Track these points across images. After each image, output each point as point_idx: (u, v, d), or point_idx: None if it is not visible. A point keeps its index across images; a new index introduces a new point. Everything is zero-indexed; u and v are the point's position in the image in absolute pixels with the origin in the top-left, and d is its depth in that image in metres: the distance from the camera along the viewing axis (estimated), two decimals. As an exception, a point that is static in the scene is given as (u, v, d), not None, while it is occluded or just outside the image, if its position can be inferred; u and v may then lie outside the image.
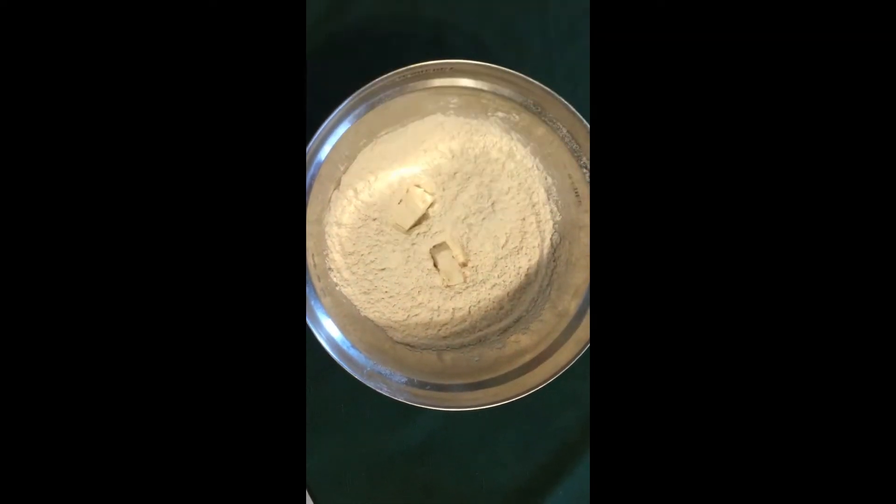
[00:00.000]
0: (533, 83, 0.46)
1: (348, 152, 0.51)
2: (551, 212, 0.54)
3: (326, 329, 0.46)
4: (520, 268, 0.54)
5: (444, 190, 0.54)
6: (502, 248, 0.54)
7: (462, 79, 0.47)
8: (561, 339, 0.50)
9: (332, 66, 0.55)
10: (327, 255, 0.51)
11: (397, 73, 0.44)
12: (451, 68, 0.46)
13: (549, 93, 0.46)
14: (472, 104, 0.51)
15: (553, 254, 0.54)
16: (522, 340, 0.52)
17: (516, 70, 0.56)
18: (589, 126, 0.48)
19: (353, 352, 0.47)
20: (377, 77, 0.44)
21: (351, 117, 0.46)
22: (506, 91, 0.48)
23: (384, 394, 0.45)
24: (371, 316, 0.52)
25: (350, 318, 0.51)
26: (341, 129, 0.46)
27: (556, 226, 0.54)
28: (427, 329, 0.53)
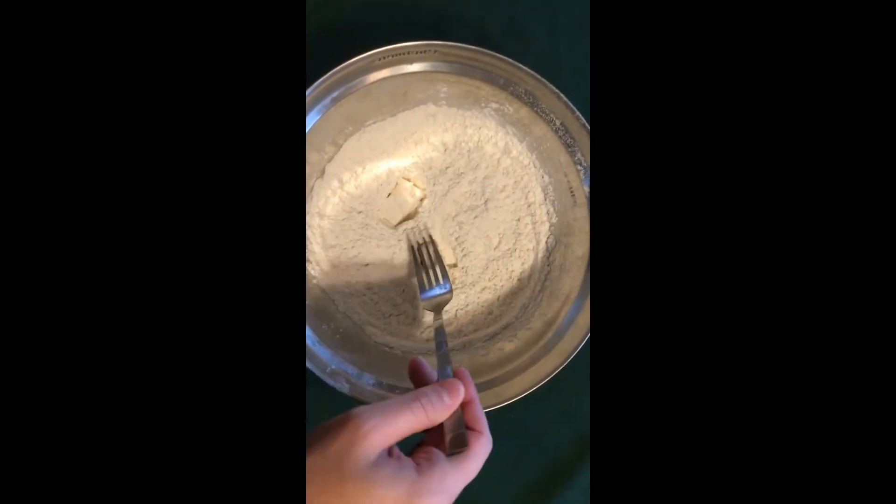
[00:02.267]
0: (522, 69, 0.43)
1: (332, 139, 0.49)
2: (548, 213, 0.50)
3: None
4: (512, 271, 0.51)
5: (434, 185, 0.51)
6: (495, 249, 0.51)
7: (447, 63, 0.45)
8: (546, 347, 0.46)
9: (327, 53, 0.53)
10: (306, 246, 0.49)
11: (376, 53, 0.42)
12: (436, 50, 0.43)
13: (539, 81, 0.43)
14: (463, 94, 0.48)
15: (548, 258, 0.50)
16: (507, 348, 0.48)
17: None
18: (586, 122, 0.44)
19: (317, 348, 0.44)
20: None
21: (328, 101, 0.44)
22: (496, 77, 0.45)
23: (345, 394, 0.42)
24: (349, 313, 0.49)
25: (324, 313, 0.48)
26: (315, 113, 0.44)
27: (553, 228, 0.50)
28: (409, 330, 0.50)
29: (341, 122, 0.48)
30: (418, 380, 0.36)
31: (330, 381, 0.42)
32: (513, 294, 0.51)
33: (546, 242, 0.50)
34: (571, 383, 0.46)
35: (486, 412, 0.44)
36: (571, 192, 0.48)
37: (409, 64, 0.44)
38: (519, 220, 0.51)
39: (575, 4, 0.55)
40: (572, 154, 0.46)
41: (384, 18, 0.54)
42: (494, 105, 0.48)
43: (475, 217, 0.51)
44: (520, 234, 0.51)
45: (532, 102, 0.46)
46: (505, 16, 0.55)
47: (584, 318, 0.46)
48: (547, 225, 0.50)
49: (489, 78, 0.45)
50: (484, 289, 0.51)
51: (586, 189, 0.46)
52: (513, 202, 0.51)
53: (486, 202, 0.51)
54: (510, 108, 0.48)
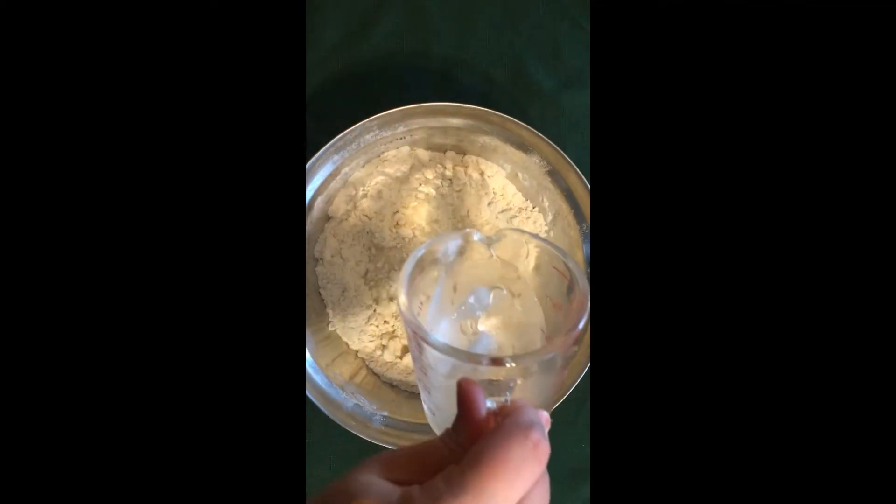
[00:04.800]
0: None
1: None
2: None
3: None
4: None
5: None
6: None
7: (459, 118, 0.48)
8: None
9: (341, 97, 0.56)
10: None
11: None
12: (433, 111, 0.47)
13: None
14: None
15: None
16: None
17: (525, 112, 0.56)
18: (584, 176, 0.47)
19: (318, 376, 0.47)
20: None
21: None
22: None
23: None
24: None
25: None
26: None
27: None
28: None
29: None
30: (471, 411, 0.27)
31: (337, 419, 0.45)
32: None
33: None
34: (558, 414, 0.49)
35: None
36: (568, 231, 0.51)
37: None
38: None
39: (579, 54, 0.58)
40: (566, 195, 0.49)
41: (398, 63, 0.57)
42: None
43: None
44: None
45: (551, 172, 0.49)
46: (511, 66, 0.57)
47: (580, 355, 0.48)
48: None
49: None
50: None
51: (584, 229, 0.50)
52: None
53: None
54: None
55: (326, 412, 0.45)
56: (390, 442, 0.45)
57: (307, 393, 0.45)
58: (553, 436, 0.53)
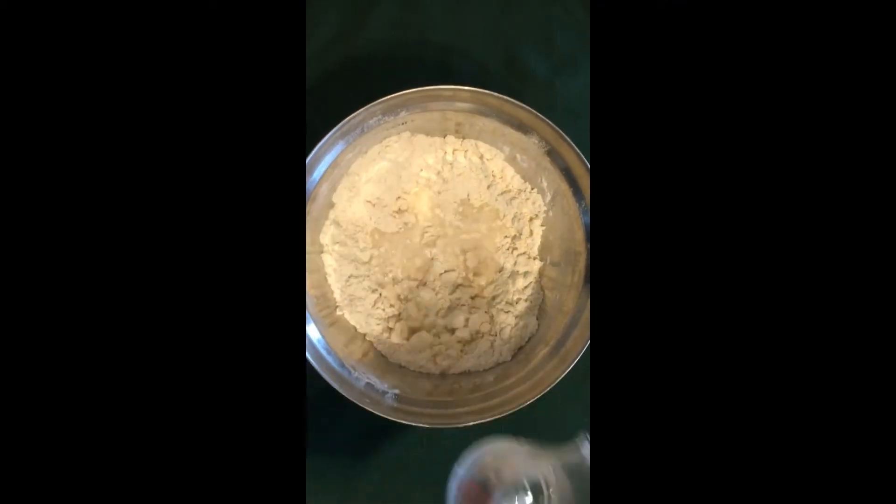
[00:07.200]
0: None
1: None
2: (542, 234, 0.55)
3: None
4: (511, 291, 0.55)
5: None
6: (499, 272, 0.55)
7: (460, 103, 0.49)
8: (545, 360, 0.50)
9: (337, 89, 0.57)
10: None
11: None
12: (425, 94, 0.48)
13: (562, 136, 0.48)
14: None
15: (541, 279, 0.55)
16: (506, 361, 0.52)
17: (519, 97, 0.57)
18: (583, 155, 0.48)
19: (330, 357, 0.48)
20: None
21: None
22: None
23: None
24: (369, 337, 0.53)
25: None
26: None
27: (548, 248, 0.54)
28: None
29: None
30: None
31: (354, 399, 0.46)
32: (513, 314, 0.55)
33: (542, 261, 0.55)
34: (564, 392, 0.50)
35: (479, 423, 0.47)
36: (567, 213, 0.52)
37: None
38: (514, 238, 0.55)
39: (571, 40, 0.59)
40: (565, 174, 0.50)
41: (394, 54, 0.58)
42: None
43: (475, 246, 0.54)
44: (518, 254, 0.55)
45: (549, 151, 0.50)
46: (506, 53, 0.59)
47: (580, 331, 0.50)
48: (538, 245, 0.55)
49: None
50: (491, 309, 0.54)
51: (582, 209, 0.51)
52: (508, 224, 0.55)
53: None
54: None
55: (341, 391, 0.46)
56: (403, 418, 0.47)
57: (322, 374, 0.46)
58: (557, 411, 0.55)
